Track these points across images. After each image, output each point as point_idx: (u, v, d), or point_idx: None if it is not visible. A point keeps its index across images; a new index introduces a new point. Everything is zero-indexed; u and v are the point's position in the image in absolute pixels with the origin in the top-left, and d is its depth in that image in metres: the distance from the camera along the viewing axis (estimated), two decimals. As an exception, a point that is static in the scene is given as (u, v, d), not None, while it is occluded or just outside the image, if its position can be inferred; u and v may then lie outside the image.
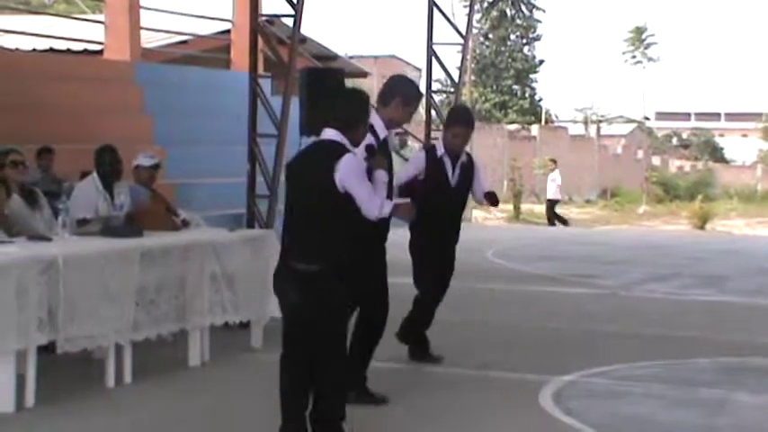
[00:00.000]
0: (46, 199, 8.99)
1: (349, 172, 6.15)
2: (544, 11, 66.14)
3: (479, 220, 30.38)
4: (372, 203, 6.20)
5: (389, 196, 6.98)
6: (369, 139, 6.82)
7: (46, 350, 7.29)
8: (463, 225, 8.80)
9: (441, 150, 8.65)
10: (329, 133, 6.36)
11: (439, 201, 8.42)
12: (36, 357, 7.11)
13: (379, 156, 6.61)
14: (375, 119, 7.24)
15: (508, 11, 63.23)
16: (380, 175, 6.45)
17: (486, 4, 62.07)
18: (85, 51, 21.37)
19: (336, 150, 6.24)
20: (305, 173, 6.32)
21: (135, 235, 8.25)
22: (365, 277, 7.10)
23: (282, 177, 17.71)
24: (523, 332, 9.01)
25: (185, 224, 9.19)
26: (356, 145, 6.42)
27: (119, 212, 8.87)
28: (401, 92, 7.48)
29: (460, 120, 8.77)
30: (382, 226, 7.05)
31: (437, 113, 24.57)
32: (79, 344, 7.36)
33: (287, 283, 6.24)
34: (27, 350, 7.02)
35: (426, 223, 8.14)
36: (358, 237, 6.37)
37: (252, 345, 9.14)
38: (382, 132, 7.26)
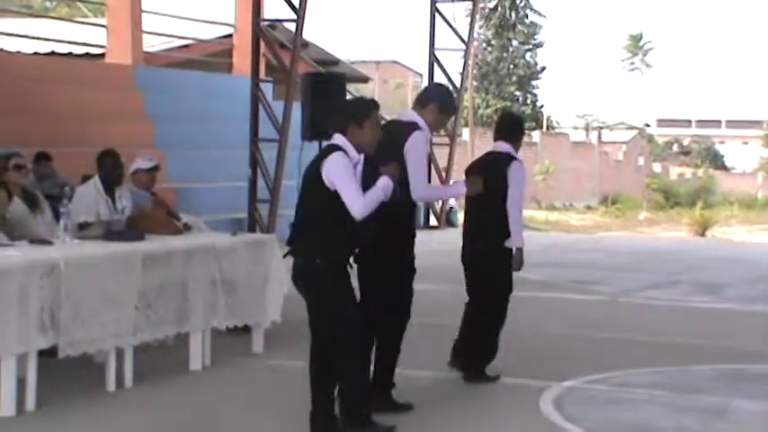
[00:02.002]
0: (47, 203, 9.00)
1: (334, 169, 6.43)
2: (545, 16, 66.14)
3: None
4: (354, 203, 6.41)
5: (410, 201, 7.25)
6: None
7: (47, 354, 7.29)
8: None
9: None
10: (334, 137, 6.64)
11: None
12: (37, 361, 7.12)
13: (394, 164, 6.66)
14: (412, 115, 7.48)
15: (510, 15, 63.19)
16: (381, 182, 6.51)
17: (487, 11, 62.08)
18: (87, 55, 21.41)
19: (328, 150, 6.55)
20: (305, 174, 6.64)
21: (136, 239, 8.26)
22: (383, 279, 7.25)
23: (285, 182, 17.65)
24: (524, 338, 9.01)
25: (187, 228, 9.21)
26: (366, 146, 6.61)
27: (120, 216, 8.88)
28: (438, 98, 7.61)
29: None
30: (405, 224, 7.27)
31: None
32: (81, 347, 7.35)
33: (295, 279, 6.65)
34: (28, 354, 7.03)
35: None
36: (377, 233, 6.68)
37: (253, 349, 9.15)
38: (423, 125, 7.40)
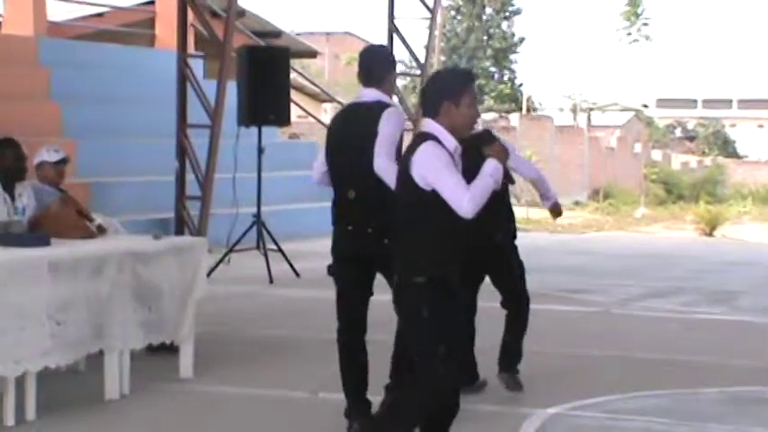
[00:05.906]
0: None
1: (425, 164, 6.09)
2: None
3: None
4: (459, 200, 6.02)
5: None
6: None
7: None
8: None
9: None
10: (423, 123, 6.30)
11: None
12: None
13: (498, 143, 6.47)
14: (374, 94, 7.55)
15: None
16: (489, 166, 6.16)
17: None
18: (-20, 26, 21.24)
19: (417, 140, 6.18)
20: (399, 170, 6.34)
21: (41, 243, 8.19)
22: None
23: (218, 176, 17.53)
24: (501, 357, 9.03)
25: (101, 231, 9.15)
26: (462, 129, 6.25)
27: (20, 217, 8.82)
28: (393, 64, 7.83)
29: None
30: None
31: (399, 100, 24.67)
32: (-26, 373, 7.30)
33: (393, 298, 6.33)
34: None
35: None
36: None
37: (181, 374, 9.09)
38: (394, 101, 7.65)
